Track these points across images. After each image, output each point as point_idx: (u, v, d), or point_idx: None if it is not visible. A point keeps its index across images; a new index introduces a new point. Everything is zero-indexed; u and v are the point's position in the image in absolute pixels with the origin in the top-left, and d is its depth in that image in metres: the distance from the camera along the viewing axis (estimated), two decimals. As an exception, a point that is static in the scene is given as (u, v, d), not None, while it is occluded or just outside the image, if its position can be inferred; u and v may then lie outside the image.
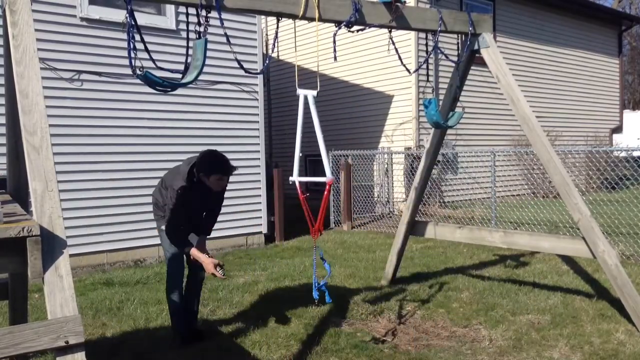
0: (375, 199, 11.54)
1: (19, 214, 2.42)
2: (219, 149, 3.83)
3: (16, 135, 3.11)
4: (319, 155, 3.72)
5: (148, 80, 3.08)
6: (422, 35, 4.77)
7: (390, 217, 10.90)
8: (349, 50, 11.93)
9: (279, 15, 3.74)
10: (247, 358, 4.01)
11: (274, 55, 13.58)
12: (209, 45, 3.28)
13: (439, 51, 4.45)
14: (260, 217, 8.67)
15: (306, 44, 11.45)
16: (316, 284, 3.82)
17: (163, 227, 4.15)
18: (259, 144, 8.69)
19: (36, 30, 2.48)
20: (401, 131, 11.73)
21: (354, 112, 12.62)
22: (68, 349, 1.90)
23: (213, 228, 4.46)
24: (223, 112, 8.27)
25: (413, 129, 11.54)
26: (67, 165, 6.78)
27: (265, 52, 10.98)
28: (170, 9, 7.72)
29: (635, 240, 7.07)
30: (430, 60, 11.56)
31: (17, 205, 2.85)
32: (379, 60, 11.66)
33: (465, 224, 8.76)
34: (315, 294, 3.85)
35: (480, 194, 11.71)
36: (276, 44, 3.89)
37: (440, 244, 7.98)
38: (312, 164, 12.44)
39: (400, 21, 4.25)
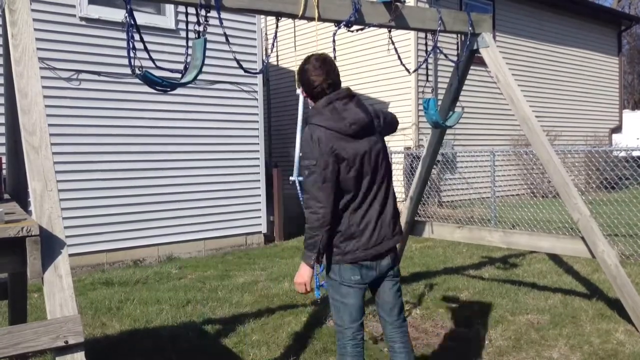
0: (375, 198, 11.50)
1: (18, 213, 2.41)
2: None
3: (15, 135, 3.11)
4: (319, 155, 3.71)
5: (147, 80, 3.07)
6: (422, 35, 4.75)
7: (390, 216, 10.86)
8: (349, 50, 11.93)
9: (279, 15, 3.72)
10: (247, 358, 4.01)
11: (274, 55, 13.57)
12: (209, 45, 3.27)
13: (438, 51, 4.45)
14: (260, 217, 8.67)
15: (306, 44, 11.44)
16: (317, 284, 3.82)
17: None
18: (258, 143, 8.69)
19: (35, 29, 2.47)
20: (401, 131, 11.71)
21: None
22: (67, 348, 1.90)
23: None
24: (222, 112, 8.26)
25: (413, 129, 11.53)
26: (66, 165, 6.77)
27: (264, 51, 10.97)
28: (169, 8, 7.72)
29: (634, 240, 7.06)
30: (430, 60, 11.56)
31: (17, 205, 2.85)
32: (378, 60, 11.65)
33: (465, 223, 8.75)
34: (317, 293, 3.85)
35: (479, 194, 11.71)
36: (275, 44, 3.88)
37: (439, 243, 7.98)
38: (311, 164, 12.40)
39: (399, 21, 4.24)
